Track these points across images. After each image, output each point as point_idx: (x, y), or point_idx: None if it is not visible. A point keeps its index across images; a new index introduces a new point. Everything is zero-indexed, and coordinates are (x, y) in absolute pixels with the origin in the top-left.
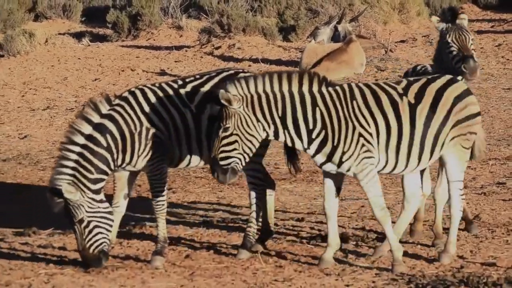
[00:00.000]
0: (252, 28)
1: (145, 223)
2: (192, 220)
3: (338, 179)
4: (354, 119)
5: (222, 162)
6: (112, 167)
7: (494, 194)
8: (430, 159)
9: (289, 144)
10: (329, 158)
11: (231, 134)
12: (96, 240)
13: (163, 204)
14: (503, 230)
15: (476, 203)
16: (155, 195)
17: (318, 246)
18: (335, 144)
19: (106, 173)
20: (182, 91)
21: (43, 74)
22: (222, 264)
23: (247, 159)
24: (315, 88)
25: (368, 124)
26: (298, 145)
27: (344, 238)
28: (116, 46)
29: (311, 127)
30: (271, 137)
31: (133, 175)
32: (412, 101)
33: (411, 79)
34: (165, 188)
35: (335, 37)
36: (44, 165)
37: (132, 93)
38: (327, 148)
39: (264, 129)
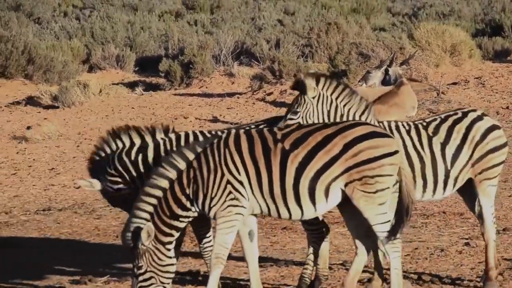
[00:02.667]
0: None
1: (200, 270)
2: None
3: (252, 221)
4: (224, 166)
5: None
6: None
7: None
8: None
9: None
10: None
11: (146, 272)
12: None
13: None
14: None
15: None
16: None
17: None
18: (204, 191)
19: None
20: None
21: (97, 124)
22: None
23: (169, 286)
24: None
25: (238, 172)
26: (202, 208)
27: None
28: (169, 95)
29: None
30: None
31: None
32: (287, 147)
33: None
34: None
35: (385, 81)
36: (99, 214)
37: None
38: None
39: (176, 236)
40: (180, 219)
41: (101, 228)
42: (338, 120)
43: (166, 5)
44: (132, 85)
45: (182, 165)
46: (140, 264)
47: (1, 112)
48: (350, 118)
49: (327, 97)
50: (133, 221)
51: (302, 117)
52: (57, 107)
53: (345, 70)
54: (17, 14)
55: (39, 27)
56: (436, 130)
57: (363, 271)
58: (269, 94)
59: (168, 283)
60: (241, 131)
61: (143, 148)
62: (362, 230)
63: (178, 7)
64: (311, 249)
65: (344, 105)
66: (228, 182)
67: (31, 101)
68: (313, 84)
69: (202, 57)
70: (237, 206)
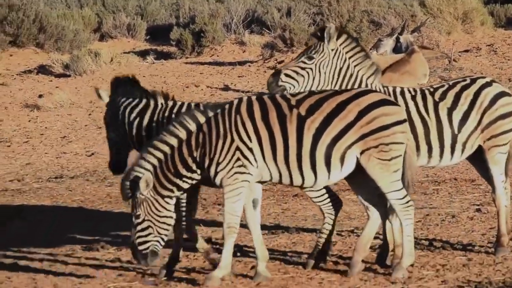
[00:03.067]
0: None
1: (212, 236)
2: None
3: (258, 190)
4: (234, 132)
5: (140, 248)
6: None
7: None
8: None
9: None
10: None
11: (144, 221)
12: (148, 240)
13: None
14: None
15: None
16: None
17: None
18: (211, 156)
19: None
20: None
21: None
22: (287, 274)
23: (166, 238)
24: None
25: (250, 139)
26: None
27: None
28: (180, 63)
29: (195, 168)
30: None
31: None
32: (303, 113)
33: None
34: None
35: (397, 49)
36: (111, 181)
37: None
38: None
39: (177, 194)
40: (184, 179)
41: (112, 196)
42: (345, 77)
43: None
44: (143, 54)
45: (192, 126)
46: (138, 213)
47: (13, 81)
48: (358, 79)
49: (342, 54)
50: (135, 170)
51: (316, 64)
52: (69, 76)
53: (357, 38)
54: None
55: None
56: (443, 96)
57: (375, 238)
58: (280, 63)
59: (165, 235)
60: (253, 97)
61: (144, 108)
62: (374, 198)
63: None
64: (326, 218)
65: (355, 66)
66: (238, 148)
67: (42, 69)
68: (336, 37)
69: (213, 25)
70: (244, 173)
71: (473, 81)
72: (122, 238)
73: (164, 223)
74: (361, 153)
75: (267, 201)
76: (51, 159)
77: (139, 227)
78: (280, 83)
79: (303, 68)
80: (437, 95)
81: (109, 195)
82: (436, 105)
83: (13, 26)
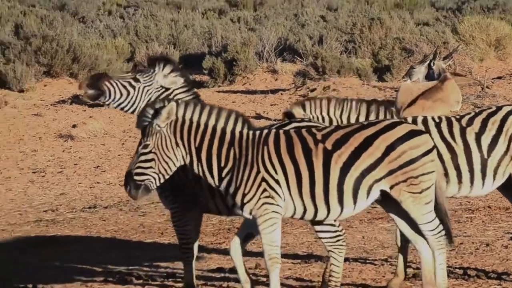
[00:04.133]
0: (346, 69)
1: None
2: (291, 260)
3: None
4: (260, 163)
5: (136, 178)
6: None
7: None
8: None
9: (203, 178)
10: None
11: (150, 152)
12: (147, 173)
13: None
14: None
15: None
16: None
17: (414, 283)
18: (237, 185)
19: None
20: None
21: None
22: None
23: (162, 180)
24: (237, 128)
25: (275, 171)
26: (210, 180)
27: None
28: (212, 92)
29: (222, 164)
30: (189, 167)
31: None
32: (329, 148)
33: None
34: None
35: (429, 76)
36: (144, 211)
37: None
38: (231, 188)
39: (182, 156)
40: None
41: (146, 225)
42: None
43: (210, 3)
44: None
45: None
46: (147, 142)
47: (47, 111)
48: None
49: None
50: (161, 101)
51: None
52: (102, 106)
53: (389, 66)
54: (62, 14)
55: (84, 26)
56: (470, 122)
57: (408, 267)
58: (312, 90)
59: (164, 175)
60: (281, 130)
61: None
62: (415, 228)
63: (221, 5)
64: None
65: (340, 116)
66: (264, 179)
67: (76, 99)
68: (302, 111)
69: (245, 54)
70: (272, 204)
71: (499, 108)
72: (155, 268)
73: (167, 163)
74: (391, 187)
75: (300, 229)
76: (85, 189)
77: (143, 157)
78: None
79: None
80: (464, 121)
81: (142, 225)
82: (463, 130)
83: (47, 56)
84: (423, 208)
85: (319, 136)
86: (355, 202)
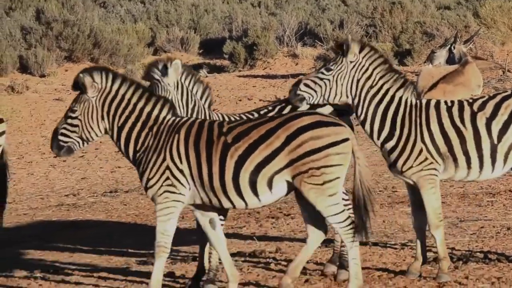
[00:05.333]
0: None
1: (265, 250)
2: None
3: (211, 209)
4: (168, 151)
5: (60, 138)
6: None
7: None
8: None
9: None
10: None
11: (76, 118)
12: (70, 137)
13: None
14: None
15: None
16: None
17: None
18: (144, 168)
19: None
20: None
21: None
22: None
23: (86, 144)
24: (162, 114)
25: (180, 160)
26: (126, 157)
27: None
28: (233, 76)
29: (138, 147)
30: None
31: None
32: (229, 141)
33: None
34: None
35: (449, 60)
36: None
37: None
38: (140, 170)
39: (105, 129)
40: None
41: None
42: (363, 88)
43: None
44: (196, 67)
45: (160, 113)
46: (75, 108)
47: (68, 96)
48: (381, 92)
49: (363, 65)
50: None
51: (333, 76)
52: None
53: (410, 50)
54: None
55: (105, 11)
56: (482, 106)
57: (428, 250)
58: None
59: (87, 141)
60: (198, 120)
61: None
62: (317, 220)
63: None
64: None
65: (380, 78)
66: (168, 167)
67: None
68: (356, 50)
69: (265, 38)
70: (174, 193)
71: None
72: (176, 252)
73: (90, 132)
74: (293, 178)
75: None
76: (106, 173)
77: (69, 120)
78: (298, 92)
79: (321, 79)
80: (476, 106)
81: None
82: (473, 115)
83: (68, 41)
84: (327, 200)
85: (225, 128)
86: (256, 195)
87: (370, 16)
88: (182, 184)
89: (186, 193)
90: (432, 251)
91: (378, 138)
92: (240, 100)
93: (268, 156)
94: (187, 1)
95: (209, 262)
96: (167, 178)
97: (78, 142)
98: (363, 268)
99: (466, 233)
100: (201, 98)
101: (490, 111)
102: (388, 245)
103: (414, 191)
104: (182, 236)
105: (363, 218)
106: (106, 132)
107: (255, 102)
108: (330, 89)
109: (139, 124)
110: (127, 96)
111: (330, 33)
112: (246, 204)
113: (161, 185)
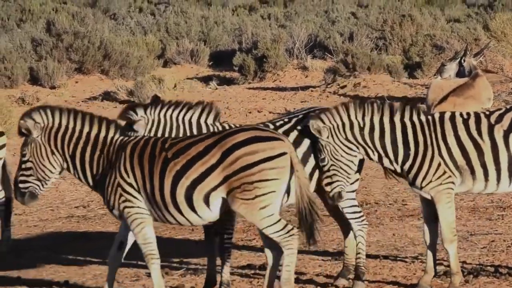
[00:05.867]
0: (377, 66)
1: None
2: (321, 257)
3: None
4: (117, 169)
5: (20, 185)
6: None
7: None
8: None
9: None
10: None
11: (27, 161)
12: (29, 181)
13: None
14: None
15: None
16: None
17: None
18: (102, 190)
19: None
20: None
21: None
22: None
23: (46, 185)
24: (109, 136)
25: (128, 175)
26: (87, 185)
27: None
28: (243, 89)
29: (95, 172)
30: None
31: None
32: (170, 156)
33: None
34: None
35: (459, 73)
36: None
37: None
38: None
39: (59, 164)
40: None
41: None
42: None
43: (240, 0)
44: (206, 80)
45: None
46: (24, 152)
47: (78, 107)
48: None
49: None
50: (37, 112)
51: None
52: (133, 102)
53: (419, 62)
54: (93, 11)
55: (115, 23)
56: (500, 119)
57: (439, 264)
58: (342, 87)
59: (46, 181)
60: (144, 138)
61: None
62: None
63: (252, 1)
64: (358, 238)
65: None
66: (119, 184)
67: (107, 96)
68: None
69: (275, 50)
70: (132, 206)
71: None
72: (186, 264)
73: (44, 171)
74: (227, 195)
75: (330, 227)
76: None
77: (23, 166)
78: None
79: None
80: (493, 118)
81: None
82: (491, 127)
83: (78, 53)
84: (259, 213)
85: (168, 144)
86: (194, 211)
87: (380, 28)
88: (135, 197)
89: (142, 205)
90: (443, 265)
91: (397, 164)
92: (250, 113)
93: (203, 173)
94: (197, 13)
95: (221, 276)
96: (121, 195)
97: (38, 185)
98: (373, 282)
99: (476, 247)
100: (199, 116)
101: (508, 123)
102: (398, 258)
103: (429, 204)
104: (191, 248)
105: (309, 228)
106: (61, 168)
107: (264, 115)
108: None
109: (89, 149)
110: (71, 125)
111: (340, 45)
112: (188, 220)
113: (119, 203)
